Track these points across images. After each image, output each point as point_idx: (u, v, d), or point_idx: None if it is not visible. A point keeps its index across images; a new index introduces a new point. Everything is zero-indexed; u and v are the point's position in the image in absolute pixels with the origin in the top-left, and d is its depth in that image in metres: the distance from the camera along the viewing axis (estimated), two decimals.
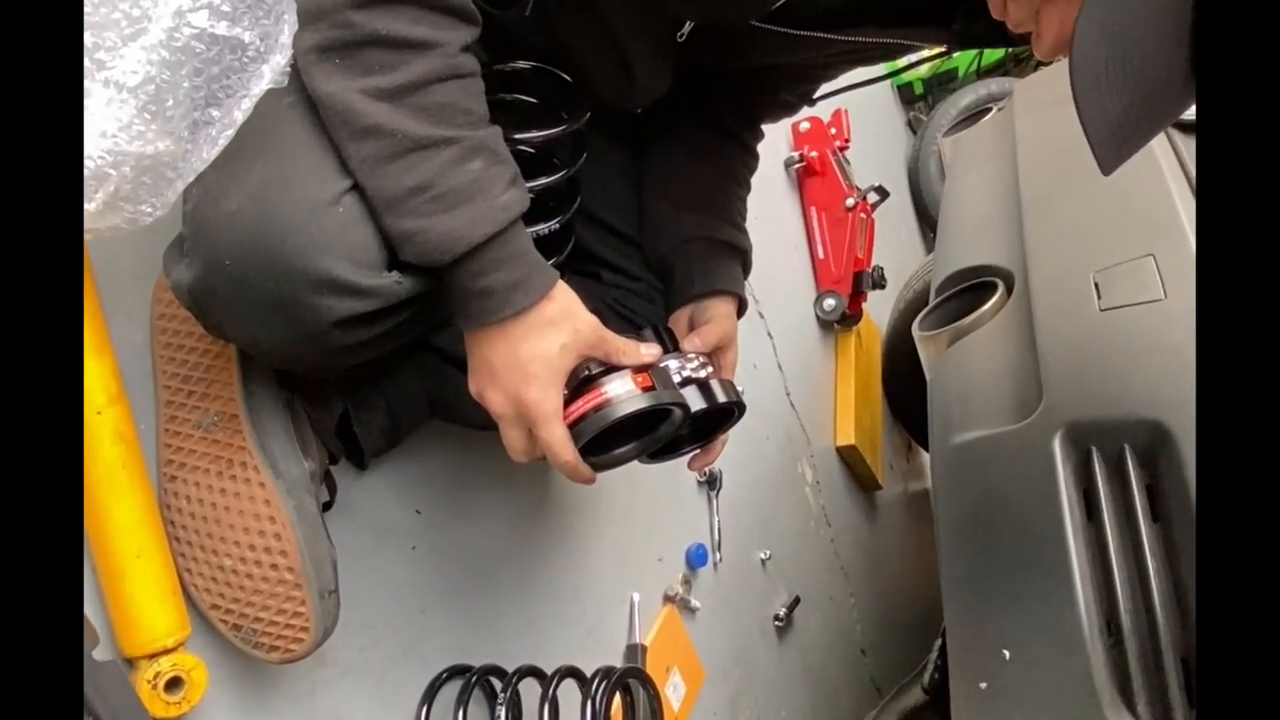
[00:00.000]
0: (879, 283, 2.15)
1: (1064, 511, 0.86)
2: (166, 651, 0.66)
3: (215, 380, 0.70)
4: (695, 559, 1.41)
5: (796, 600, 1.69)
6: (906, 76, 3.50)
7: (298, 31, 0.59)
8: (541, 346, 0.67)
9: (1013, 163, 1.36)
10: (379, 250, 0.62)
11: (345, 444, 0.82)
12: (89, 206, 0.58)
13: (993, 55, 3.25)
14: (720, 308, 0.92)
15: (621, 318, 0.95)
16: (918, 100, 3.62)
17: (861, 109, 2.62)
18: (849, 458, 2.12)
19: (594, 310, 0.71)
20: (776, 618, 1.64)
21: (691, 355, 0.84)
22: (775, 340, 1.91)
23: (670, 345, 0.86)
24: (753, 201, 1.02)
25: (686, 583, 1.39)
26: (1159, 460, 0.83)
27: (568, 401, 0.71)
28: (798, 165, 2.18)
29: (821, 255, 2.18)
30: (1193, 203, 1.03)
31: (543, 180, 0.79)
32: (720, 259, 0.95)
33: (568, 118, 0.81)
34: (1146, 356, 0.87)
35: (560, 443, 0.69)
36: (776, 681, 1.61)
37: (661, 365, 0.78)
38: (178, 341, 0.71)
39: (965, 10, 0.77)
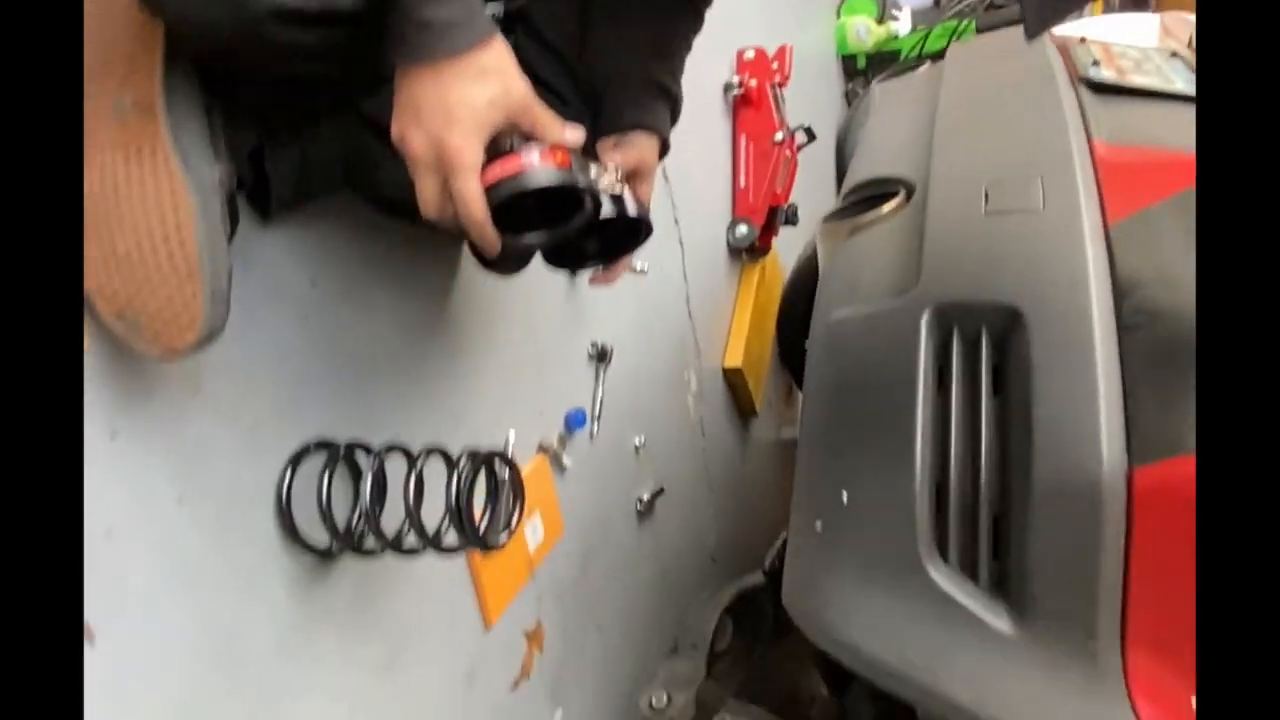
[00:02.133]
0: (791, 219, 2.23)
1: (918, 380, 0.94)
2: None
3: (137, 69, 0.69)
4: (574, 422, 1.46)
5: (661, 491, 1.77)
6: (852, 48, 3.61)
7: None
8: (471, 93, 0.69)
9: (934, 105, 1.44)
10: None
11: (255, 176, 0.82)
12: None
13: (937, 41, 3.36)
14: (644, 140, 0.96)
15: None
16: (858, 75, 3.73)
17: (805, 72, 2.69)
18: (733, 380, 2.20)
19: None
20: (639, 501, 1.71)
21: (610, 168, 0.87)
22: (685, 250, 1.96)
23: (591, 157, 0.89)
24: (687, 121, 1.05)
25: (562, 442, 1.43)
26: (1009, 342, 0.91)
27: (485, 166, 0.73)
28: (736, 92, 2.23)
29: (743, 185, 2.24)
30: (1085, 147, 1.12)
31: None
32: (652, 99, 0.99)
33: None
34: (1016, 254, 0.96)
35: (474, 197, 0.71)
36: (629, 557, 1.68)
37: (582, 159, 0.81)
38: (103, 24, 0.70)
39: None
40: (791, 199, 2.28)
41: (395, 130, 0.72)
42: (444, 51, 0.67)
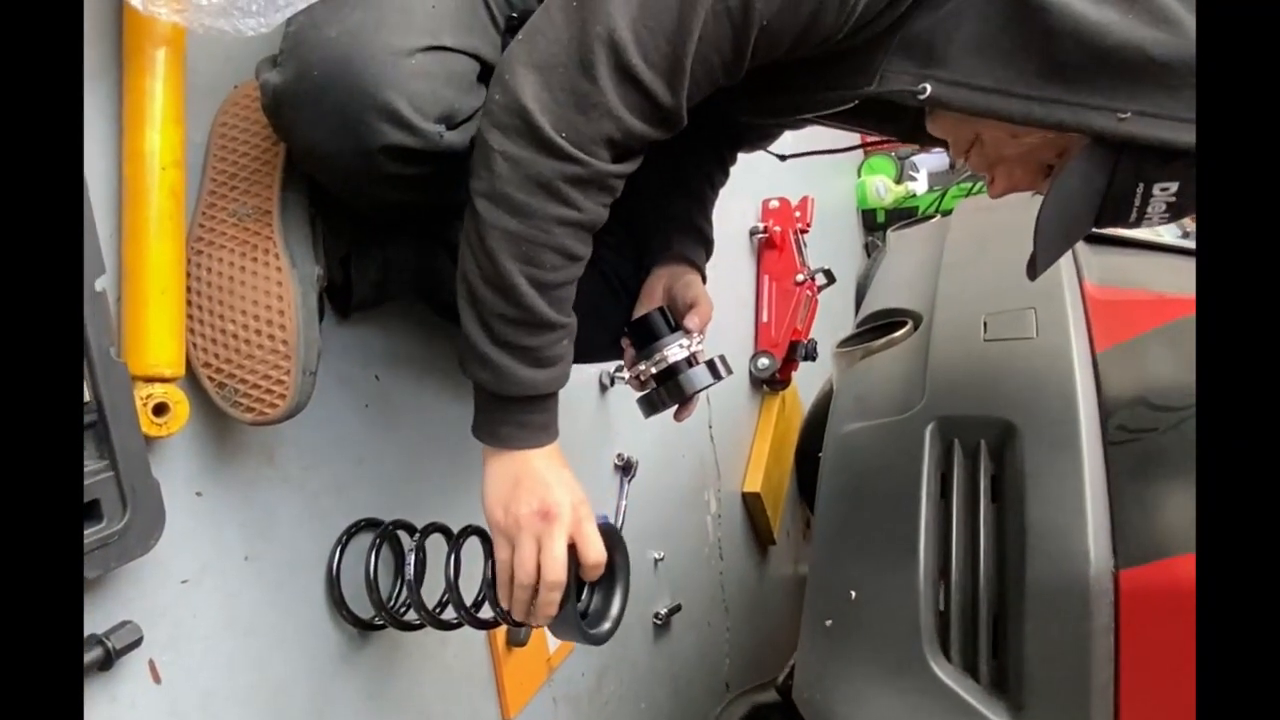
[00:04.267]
0: (811, 354, 2.35)
1: (923, 488, 1.02)
2: (162, 380, 0.76)
3: (258, 182, 0.83)
4: None
5: (678, 607, 1.80)
6: (872, 203, 3.84)
7: (493, 208, 0.74)
8: (556, 469, 0.84)
9: (940, 248, 1.58)
10: (433, 104, 0.77)
11: (343, 278, 0.95)
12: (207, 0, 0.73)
13: (952, 199, 3.57)
14: (696, 283, 1.08)
15: (600, 274, 1.10)
16: (878, 228, 3.95)
17: (827, 221, 2.88)
18: (752, 505, 2.26)
19: None
20: (656, 616, 1.75)
21: (696, 336, 0.99)
22: None
23: (673, 323, 1.00)
24: (715, 259, 1.19)
25: None
26: (1005, 453, 1.00)
27: None
28: (761, 236, 2.40)
29: (765, 319, 2.38)
30: (1076, 285, 1.24)
31: None
32: (691, 239, 1.13)
33: None
34: (1012, 375, 1.06)
35: (592, 537, 0.85)
36: (644, 674, 1.71)
37: (671, 362, 0.96)
38: (232, 145, 0.84)
39: (914, 118, 0.96)
40: (812, 335, 2.40)
41: (496, 504, 0.83)
42: (533, 445, 0.83)
